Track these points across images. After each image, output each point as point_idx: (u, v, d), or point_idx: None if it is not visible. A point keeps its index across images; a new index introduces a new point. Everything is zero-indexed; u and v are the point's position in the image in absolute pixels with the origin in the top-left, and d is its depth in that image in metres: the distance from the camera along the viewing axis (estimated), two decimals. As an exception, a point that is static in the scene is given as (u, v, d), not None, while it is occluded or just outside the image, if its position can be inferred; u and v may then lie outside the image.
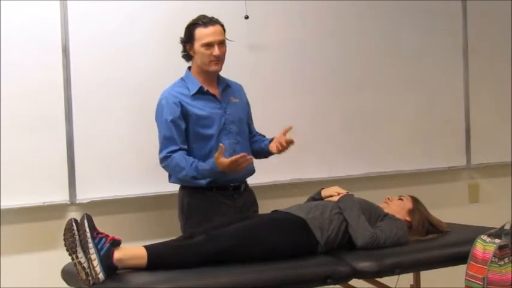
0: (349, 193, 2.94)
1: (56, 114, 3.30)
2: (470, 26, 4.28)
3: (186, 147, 3.06)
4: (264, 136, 3.29)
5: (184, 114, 3.05)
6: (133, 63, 3.45)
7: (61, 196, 3.32)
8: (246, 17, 3.43)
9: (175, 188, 3.34)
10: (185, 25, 3.10)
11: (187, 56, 3.12)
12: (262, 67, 3.52)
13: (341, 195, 2.92)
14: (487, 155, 4.34)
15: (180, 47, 3.12)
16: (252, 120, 3.31)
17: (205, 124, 3.06)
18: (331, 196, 2.95)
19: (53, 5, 3.28)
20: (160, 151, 3.06)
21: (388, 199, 3.09)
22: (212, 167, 2.94)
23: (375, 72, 4.04)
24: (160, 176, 3.24)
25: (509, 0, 4.39)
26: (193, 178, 3.00)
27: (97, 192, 3.38)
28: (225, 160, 2.89)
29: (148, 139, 3.41)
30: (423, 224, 2.99)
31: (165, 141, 3.04)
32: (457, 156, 4.30)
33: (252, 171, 3.20)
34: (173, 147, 3.03)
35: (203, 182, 3.04)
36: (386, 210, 2.97)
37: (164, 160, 3.05)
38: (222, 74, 3.17)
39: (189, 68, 3.15)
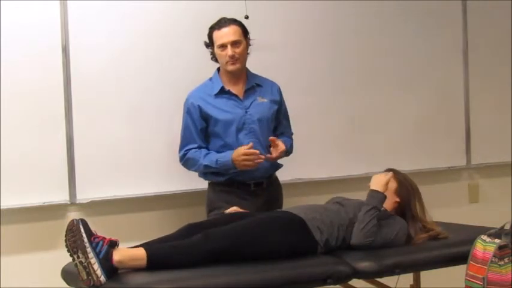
0: (382, 193, 2.85)
1: (56, 114, 3.30)
2: (470, 26, 4.28)
3: (205, 145, 3.18)
4: (288, 137, 3.33)
5: (204, 115, 3.15)
6: (133, 63, 3.44)
7: (61, 196, 3.32)
8: (246, 17, 3.42)
9: (175, 188, 3.35)
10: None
11: (215, 58, 3.21)
12: (262, 67, 3.51)
13: (375, 188, 2.85)
14: (487, 155, 4.34)
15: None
16: (283, 120, 3.35)
17: (223, 124, 3.14)
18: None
19: (53, 5, 3.28)
20: (179, 150, 3.20)
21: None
22: (224, 155, 3.08)
23: (375, 72, 4.04)
24: (160, 176, 3.25)
25: (509, 0, 4.39)
26: (207, 167, 3.12)
27: (97, 192, 3.38)
28: (241, 148, 3.02)
29: (149, 139, 3.42)
30: (412, 192, 2.94)
31: (184, 141, 3.19)
32: (457, 156, 4.30)
33: (274, 167, 3.27)
34: (190, 146, 3.16)
35: (221, 179, 3.16)
36: None
37: (182, 158, 3.20)
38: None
39: (218, 68, 3.24)
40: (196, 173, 3.29)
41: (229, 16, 3.19)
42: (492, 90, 4.36)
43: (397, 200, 2.94)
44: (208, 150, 3.18)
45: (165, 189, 3.48)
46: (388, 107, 4.07)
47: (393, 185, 2.96)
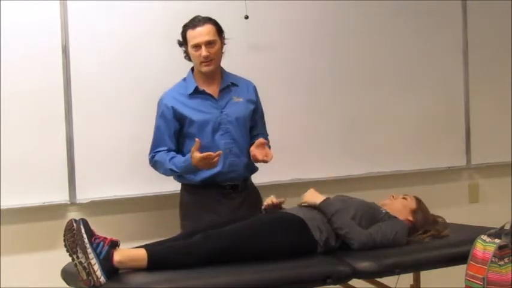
0: (327, 197, 2.86)
1: (56, 115, 3.30)
2: (470, 26, 4.28)
3: (174, 148, 3.11)
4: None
5: (178, 116, 3.09)
6: (133, 64, 3.45)
7: (61, 196, 3.32)
8: (246, 17, 3.43)
9: (175, 187, 3.34)
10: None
11: (189, 58, 3.14)
12: (262, 67, 3.52)
13: (320, 200, 2.84)
14: (487, 155, 4.34)
15: (180, 48, 3.13)
16: (259, 120, 3.27)
17: (198, 125, 3.07)
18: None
19: (53, 5, 3.29)
20: (149, 152, 3.15)
21: (393, 196, 3.07)
22: (186, 159, 2.99)
23: (375, 72, 4.04)
24: (160, 176, 3.24)
25: (509, 0, 4.39)
26: (172, 171, 3.06)
27: (97, 192, 3.38)
28: (198, 155, 2.91)
29: (149, 139, 3.40)
30: (425, 224, 2.97)
31: (154, 142, 3.14)
32: (457, 156, 4.30)
33: (249, 170, 3.20)
34: (159, 148, 3.10)
35: (193, 177, 3.08)
36: (389, 206, 2.96)
37: (151, 161, 3.14)
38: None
39: (192, 68, 3.17)
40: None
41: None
42: (492, 90, 4.36)
43: (411, 219, 2.94)
44: (177, 153, 3.10)
45: (165, 189, 3.47)
46: (388, 107, 4.07)
47: (413, 205, 2.99)
